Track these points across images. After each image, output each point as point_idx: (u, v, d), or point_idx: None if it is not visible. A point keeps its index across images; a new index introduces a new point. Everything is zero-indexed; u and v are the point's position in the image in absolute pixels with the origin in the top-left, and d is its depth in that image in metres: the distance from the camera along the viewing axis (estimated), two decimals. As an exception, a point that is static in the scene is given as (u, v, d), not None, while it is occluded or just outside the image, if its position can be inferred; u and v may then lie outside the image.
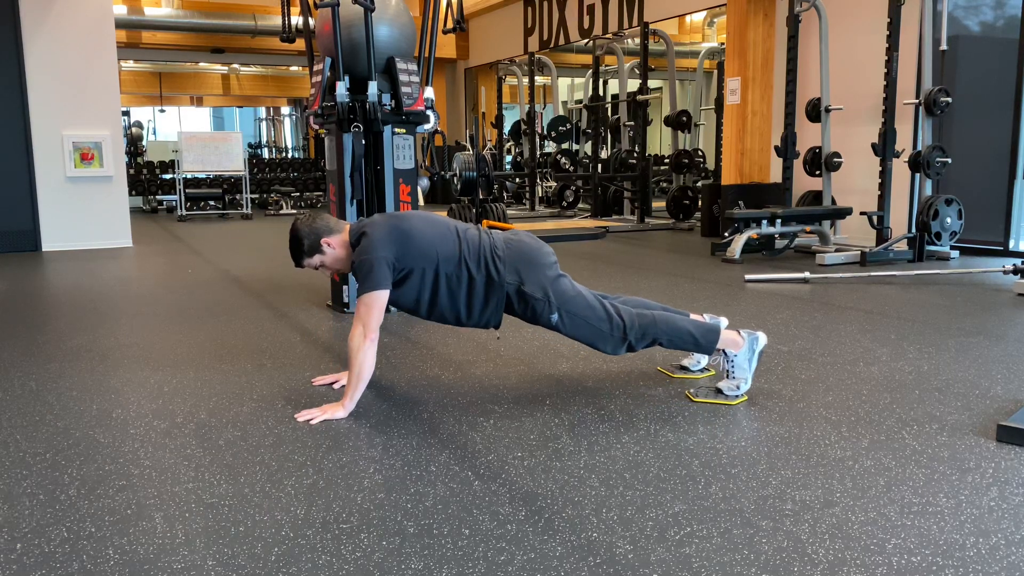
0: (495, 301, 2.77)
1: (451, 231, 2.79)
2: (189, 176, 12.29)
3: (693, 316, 2.93)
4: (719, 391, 2.82)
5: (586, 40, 11.27)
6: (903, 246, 6.30)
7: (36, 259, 7.06)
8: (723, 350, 2.82)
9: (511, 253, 2.77)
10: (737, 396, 2.78)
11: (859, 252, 6.22)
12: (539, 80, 12.64)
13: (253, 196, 14.11)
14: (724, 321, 2.92)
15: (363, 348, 2.60)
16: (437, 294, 2.76)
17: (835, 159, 6.95)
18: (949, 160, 6.25)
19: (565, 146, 12.70)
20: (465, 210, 7.38)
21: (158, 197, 13.66)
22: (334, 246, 2.77)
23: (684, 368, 3.09)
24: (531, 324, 2.85)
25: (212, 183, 13.45)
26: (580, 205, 11.53)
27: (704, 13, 11.17)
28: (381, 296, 2.63)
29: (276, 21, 12.20)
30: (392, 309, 4.12)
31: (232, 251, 7.61)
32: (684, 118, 9.76)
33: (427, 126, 4.44)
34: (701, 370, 3.07)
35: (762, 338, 2.85)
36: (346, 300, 4.36)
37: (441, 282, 2.74)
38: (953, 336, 3.73)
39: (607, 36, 10.81)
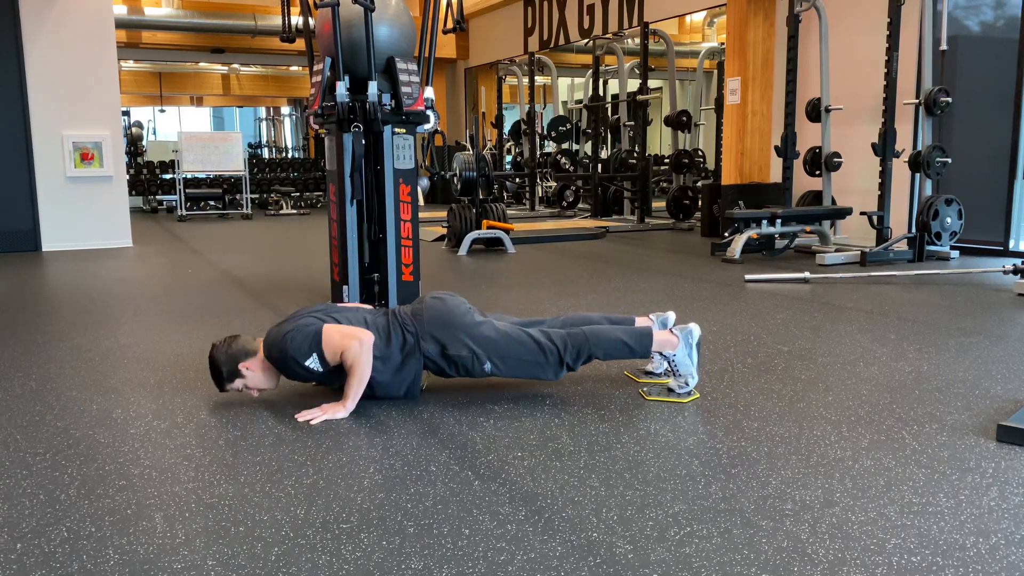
0: (411, 376, 2.77)
1: (359, 322, 2.77)
2: (189, 176, 12.29)
3: (639, 319, 2.95)
4: (670, 390, 2.84)
5: (586, 40, 11.27)
6: (903, 246, 6.30)
7: (36, 259, 7.06)
8: (661, 352, 2.84)
9: (422, 323, 2.76)
10: (688, 393, 2.81)
11: (859, 252, 6.23)
12: (539, 80, 12.64)
13: (253, 196, 14.11)
14: (671, 316, 2.95)
15: (361, 354, 2.62)
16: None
17: (835, 159, 6.95)
18: (949, 160, 6.25)
19: (565, 146, 12.70)
20: (465, 210, 7.38)
21: (158, 197, 13.67)
22: (252, 368, 2.75)
23: (649, 372, 3.09)
24: (469, 379, 2.85)
25: (212, 183, 13.46)
26: (580, 205, 11.53)
27: (704, 13, 11.17)
28: (330, 325, 2.66)
29: (276, 21, 12.20)
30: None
31: (232, 251, 7.61)
32: (684, 118, 9.76)
33: (427, 126, 4.44)
34: (664, 372, 3.06)
35: (695, 330, 2.87)
36: (346, 300, 4.36)
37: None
38: (953, 336, 3.73)
39: (607, 36, 10.81)
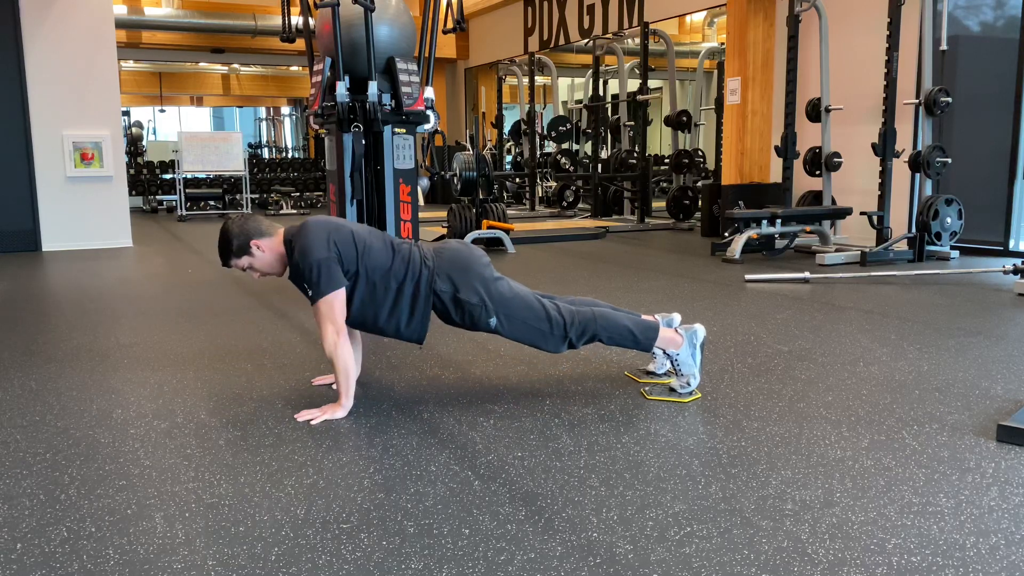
0: (421, 313, 2.74)
1: (383, 241, 2.77)
2: (189, 176, 12.29)
3: (644, 316, 2.95)
4: (672, 390, 2.85)
5: (586, 40, 11.26)
6: (903, 246, 6.30)
7: (36, 259, 7.06)
8: (664, 351, 2.84)
9: (442, 262, 2.74)
10: (690, 393, 2.81)
11: (859, 252, 6.22)
12: (539, 80, 12.64)
13: (253, 196, 14.11)
14: (677, 318, 2.93)
15: (339, 345, 2.60)
16: (362, 301, 2.71)
17: (835, 159, 6.95)
18: (949, 160, 6.25)
19: (565, 146, 12.70)
20: (465, 210, 7.38)
21: (158, 197, 13.66)
22: (264, 249, 2.72)
23: (650, 373, 3.09)
24: (471, 331, 2.83)
25: (212, 183, 13.46)
26: (580, 205, 11.52)
27: (704, 13, 11.16)
28: (339, 295, 2.62)
29: (276, 21, 12.20)
30: None
31: (232, 251, 7.59)
32: (684, 118, 9.76)
33: (427, 126, 4.45)
34: (666, 373, 3.06)
35: (700, 331, 2.87)
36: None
37: (368, 290, 2.70)
38: (953, 336, 3.73)
39: (607, 36, 10.80)
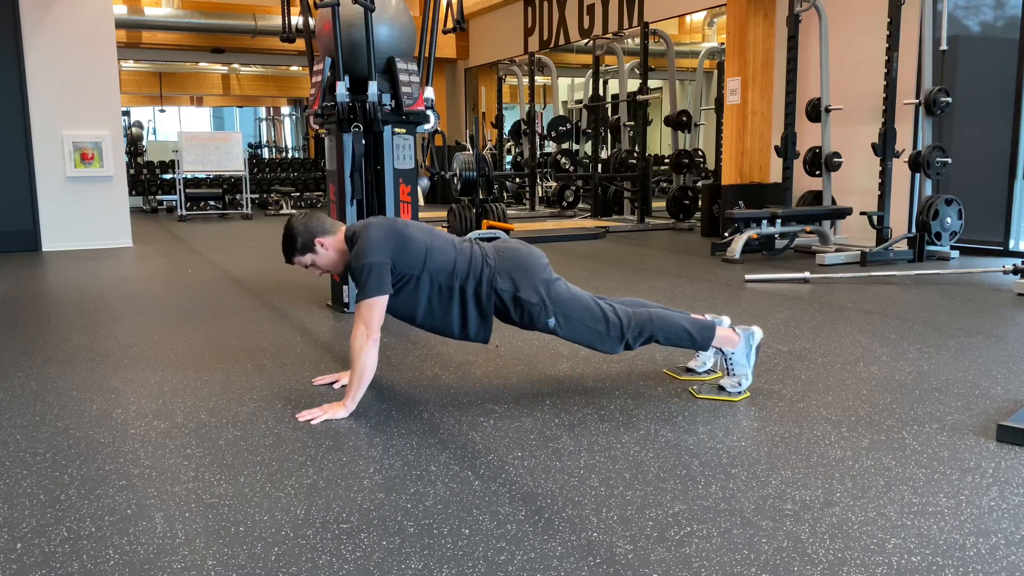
0: (485, 313, 2.76)
1: (447, 242, 2.79)
2: (189, 176, 12.29)
3: (693, 316, 2.93)
4: (722, 388, 2.84)
5: (586, 40, 11.27)
6: (903, 246, 6.30)
7: (36, 259, 7.06)
8: (720, 348, 2.83)
9: (503, 261, 2.76)
10: (740, 392, 2.80)
11: (859, 252, 6.23)
12: (539, 80, 12.64)
13: (253, 196, 14.11)
14: (726, 320, 2.92)
15: (366, 348, 2.61)
16: (430, 304, 2.75)
17: (835, 159, 6.95)
18: (949, 160, 6.25)
19: (565, 146, 12.70)
20: (465, 210, 7.38)
21: (158, 197, 13.66)
22: (328, 247, 2.76)
23: (690, 370, 3.09)
24: (529, 330, 2.85)
25: (212, 183, 13.46)
26: (580, 205, 11.53)
27: (704, 13, 11.16)
28: (382, 300, 2.64)
29: (276, 21, 12.20)
30: None
31: (232, 251, 7.61)
32: (684, 118, 9.76)
33: (427, 126, 4.45)
34: (707, 371, 3.07)
35: (757, 333, 2.87)
36: (346, 300, 4.37)
37: (433, 292, 2.73)
38: (953, 336, 3.73)
39: (607, 36, 10.80)
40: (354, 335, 2.62)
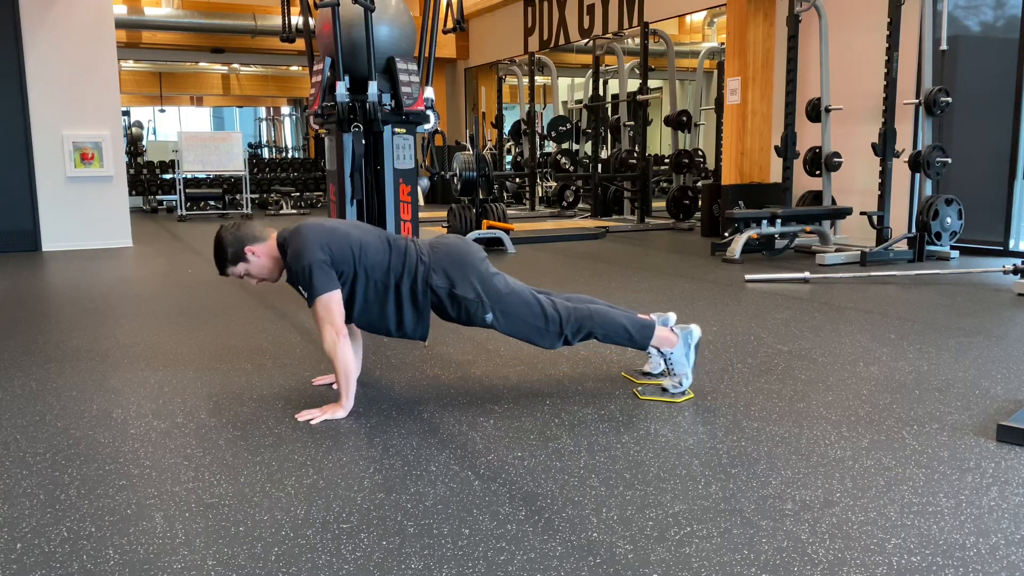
0: (422, 310, 2.74)
1: (380, 239, 2.76)
2: (189, 176, 12.29)
3: (640, 315, 2.95)
4: (664, 389, 2.84)
5: (586, 40, 11.27)
6: (903, 246, 6.30)
7: (36, 259, 7.06)
8: (659, 349, 2.83)
9: (438, 257, 2.74)
10: (682, 393, 2.81)
11: (859, 252, 6.22)
12: (539, 80, 12.64)
13: (253, 196, 14.11)
14: (672, 317, 2.93)
15: (338, 345, 2.60)
16: (366, 301, 2.72)
17: (835, 159, 6.95)
18: (949, 160, 6.25)
19: (565, 146, 12.71)
20: (465, 210, 7.38)
21: (158, 197, 13.66)
22: (259, 254, 2.72)
23: (646, 373, 3.08)
24: (467, 327, 2.83)
25: (212, 183, 13.46)
26: (580, 205, 11.53)
27: (704, 13, 11.17)
28: (335, 295, 2.62)
29: (276, 21, 12.20)
30: None
31: (232, 251, 7.59)
32: (684, 118, 9.76)
33: (427, 126, 4.45)
34: (661, 373, 3.04)
35: (696, 331, 2.87)
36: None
37: (369, 289, 2.70)
38: (953, 336, 3.73)
39: (607, 36, 10.81)
40: (323, 339, 2.61)
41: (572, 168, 12.14)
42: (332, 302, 2.61)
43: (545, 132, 12.70)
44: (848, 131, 7.24)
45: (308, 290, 2.61)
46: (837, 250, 6.45)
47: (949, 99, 6.19)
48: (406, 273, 2.71)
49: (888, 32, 6.30)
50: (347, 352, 2.62)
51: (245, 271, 2.75)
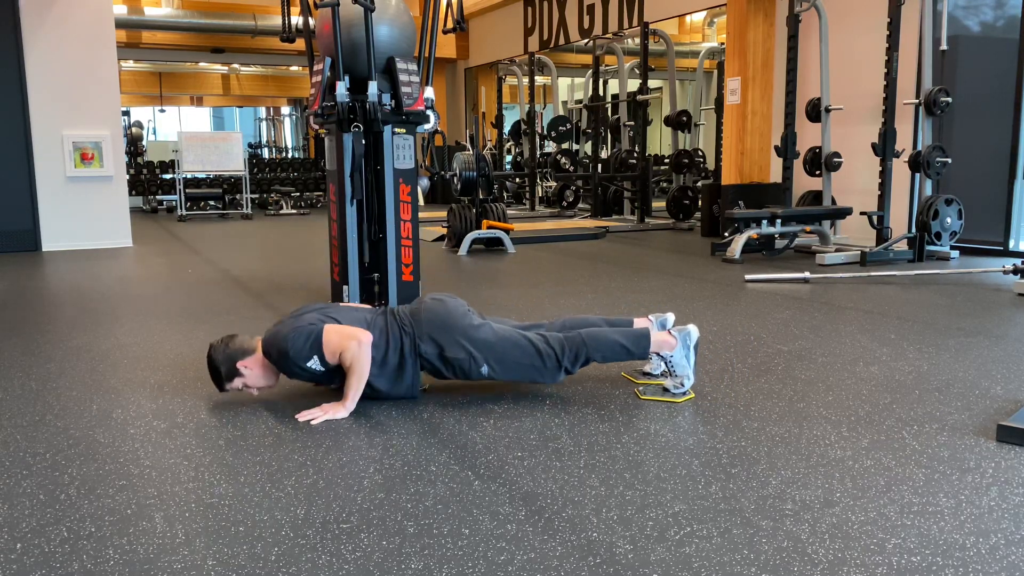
0: (408, 377, 2.77)
1: (358, 320, 2.77)
2: (189, 176, 12.29)
3: (638, 320, 2.95)
4: (666, 390, 2.85)
5: (586, 40, 11.27)
6: (903, 246, 6.30)
7: (36, 259, 7.06)
8: (659, 353, 2.84)
9: (420, 324, 2.76)
10: (684, 393, 2.81)
11: (859, 252, 6.22)
12: (539, 80, 12.64)
13: (253, 196, 14.11)
14: (671, 317, 2.94)
15: (363, 347, 2.63)
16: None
17: (835, 159, 6.95)
18: (949, 160, 6.25)
19: (565, 146, 12.71)
20: (465, 210, 7.38)
21: (158, 197, 13.66)
22: (251, 366, 2.75)
23: (646, 373, 3.09)
24: (466, 381, 2.86)
25: (212, 183, 13.45)
26: (580, 205, 11.53)
27: (704, 13, 11.17)
28: (329, 325, 2.66)
29: (276, 21, 12.20)
30: None
31: (232, 251, 7.61)
32: (684, 118, 9.76)
33: (427, 126, 4.44)
34: (661, 373, 3.04)
35: (693, 332, 2.87)
36: (346, 300, 4.36)
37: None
38: (953, 336, 3.73)
39: (607, 36, 10.81)
40: (344, 352, 2.62)
41: (572, 168, 12.14)
42: (334, 329, 2.65)
43: (545, 132, 12.70)
44: (848, 131, 7.24)
45: (311, 341, 2.63)
46: (837, 250, 6.45)
47: (949, 99, 6.19)
48: (391, 347, 2.74)
49: (888, 32, 6.30)
50: (365, 355, 2.64)
51: (242, 385, 2.78)
